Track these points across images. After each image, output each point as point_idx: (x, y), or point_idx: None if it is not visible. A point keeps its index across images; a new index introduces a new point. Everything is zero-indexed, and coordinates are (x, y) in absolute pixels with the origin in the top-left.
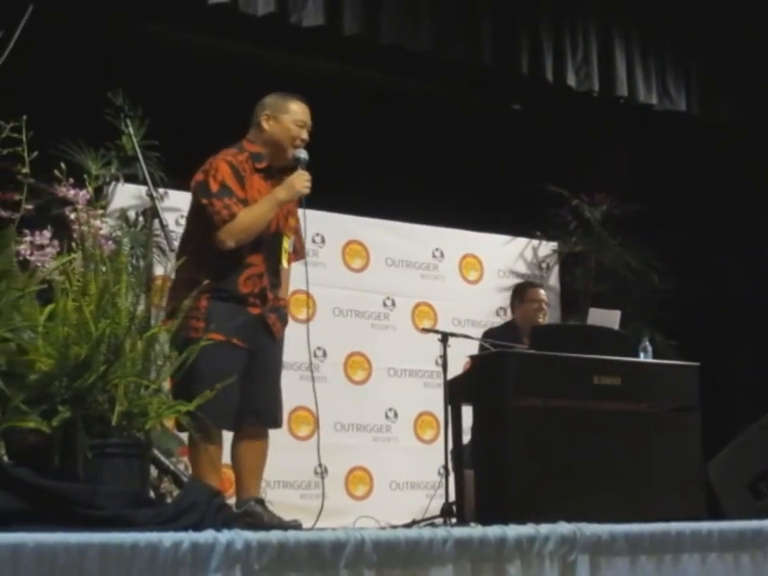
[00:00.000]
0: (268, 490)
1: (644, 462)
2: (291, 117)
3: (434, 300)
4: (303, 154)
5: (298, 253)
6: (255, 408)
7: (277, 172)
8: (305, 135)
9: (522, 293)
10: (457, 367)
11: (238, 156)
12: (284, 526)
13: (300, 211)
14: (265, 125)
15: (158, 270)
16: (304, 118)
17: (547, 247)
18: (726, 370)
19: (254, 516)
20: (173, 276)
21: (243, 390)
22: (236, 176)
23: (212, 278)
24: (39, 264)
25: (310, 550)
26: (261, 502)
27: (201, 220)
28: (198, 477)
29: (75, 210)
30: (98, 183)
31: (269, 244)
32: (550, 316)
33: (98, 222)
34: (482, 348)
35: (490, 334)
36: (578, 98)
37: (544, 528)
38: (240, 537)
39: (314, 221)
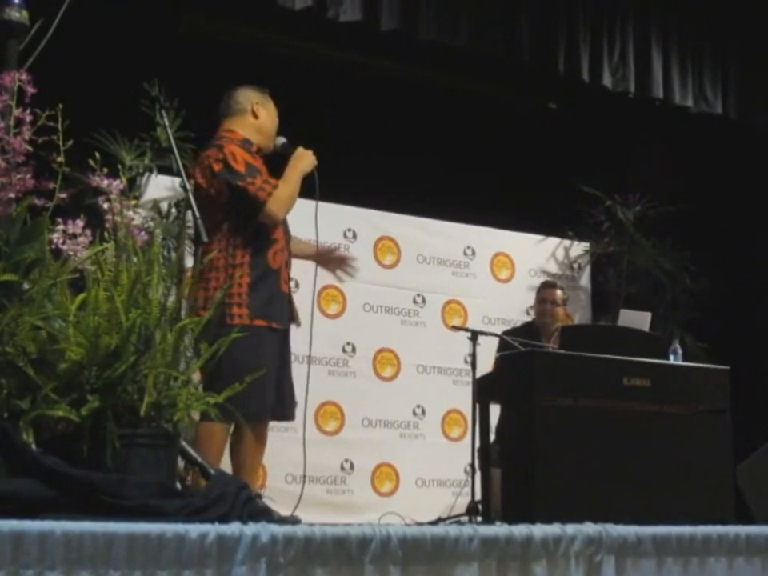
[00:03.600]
0: (294, 484)
1: (672, 464)
2: (272, 107)
3: (464, 298)
4: (285, 140)
5: None
6: (281, 399)
7: (262, 157)
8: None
9: (537, 292)
10: (486, 365)
11: (237, 141)
12: (283, 520)
13: (332, 206)
14: (258, 112)
15: (190, 262)
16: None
17: (579, 247)
18: (757, 374)
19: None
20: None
21: (275, 379)
22: (251, 155)
23: (248, 258)
24: (72, 253)
25: (336, 544)
26: (259, 496)
27: (232, 205)
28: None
29: (108, 199)
30: (132, 174)
31: (284, 219)
32: (581, 316)
33: (130, 213)
34: (502, 346)
35: (509, 334)
36: (614, 98)
37: (570, 528)
38: (266, 530)
39: (345, 216)
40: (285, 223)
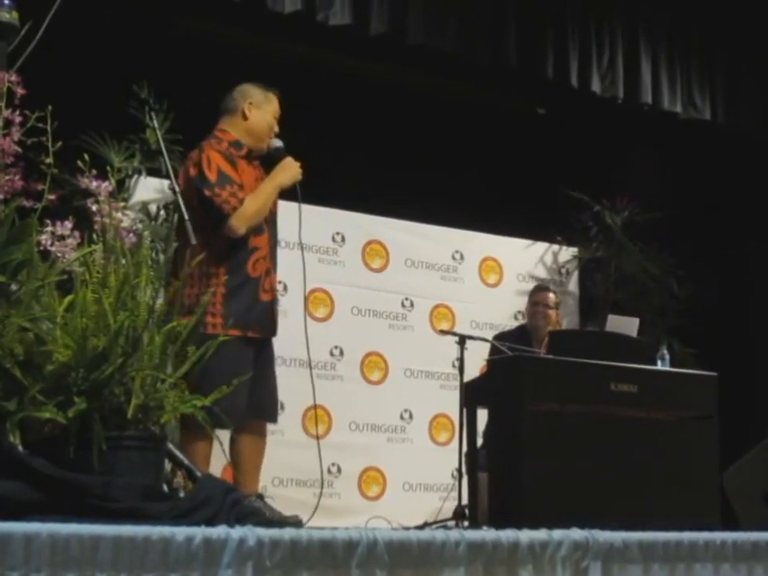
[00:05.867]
0: (281, 488)
1: (659, 469)
2: (271, 108)
3: (452, 302)
4: (281, 144)
5: None
6: (260, 403)
7: (254, 159)
8: (277, 128)
9: (529, 295)
10: (474, 370)
11: (221, 144)
12: (284, 521)
13: (321, 209)
14: (248, 113)
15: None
16: (279, 110)
17: (567, 252)
18: (744, 379)
19: (255, 512)
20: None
21: (251, 385)
22: (229, 162)
23: (225, 267)
24: (60, 255)
25: (323, 548)
26: (261, 497)
27: (205, 215)
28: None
29: (97, 201)
30: (121, 176)
31: (269, 226)
32: (569, 321)
33: (119, 215)
34: (493, 351)
35: (501, 338)
36: (602, 104)
37: (557, 533)
38: (253, 533)
39: (334, 220)
40: (272, 229)
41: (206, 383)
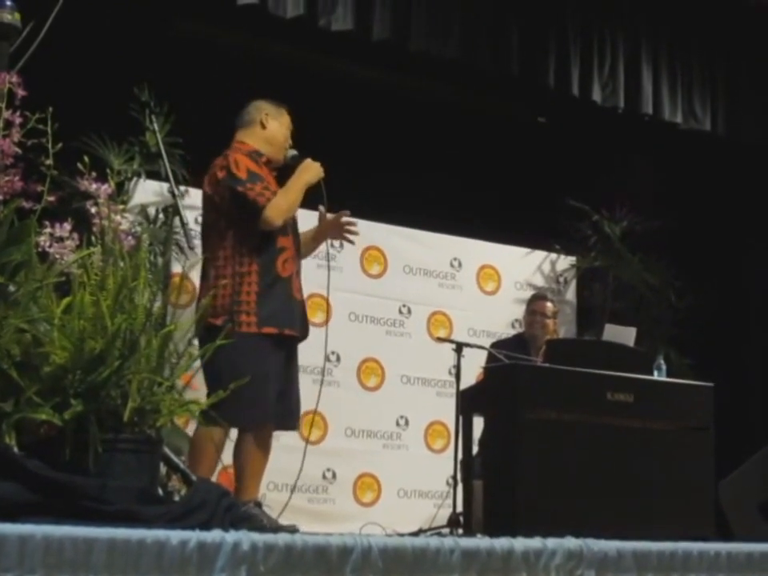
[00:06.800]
0: (276, 492)
1: (654, 479)
2: (285, 120)
3: (450, 309)
4: (296, 153)
5: None
6: (285, 408)
7: (273, 169)
8: (290, 141)
9: (527, 304)
10: (470, 377)
11: (244, 151)
12: (280, 529)
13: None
14: (266, 123)
15: (176, 268)
16: (291, 125)
17: (565, 261)
18: (740, 391)
19: (252, 519)
20: (190, 273)
21: (279, 390)
22: (255, 163)
23: (257, 267)
24: (58, 256)
25: (317, 553)
26: (259, 504)
27: (236, 212)
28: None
29: (96, 203)
30: (120, 178)
31: (292, 228)
32: (566, 331)
33: (118, 217)
34: (491, 358)
35: (498, 346)
36: (603, 113)
37: (551, 542)
38: (247, 538)
39: None
40: (295, 233)
41: (236, 380)
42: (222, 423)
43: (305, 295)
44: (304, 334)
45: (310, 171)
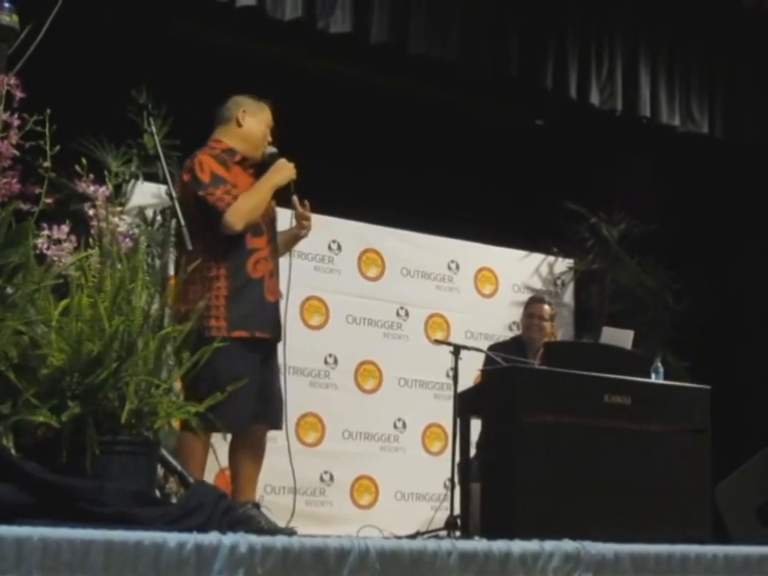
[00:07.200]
0: (273, 495)
1: (652, 482)
2: (265, 117)
3: (447, 312)
4: (275, 150)
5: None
6: (266, 409)
7: (250, 166)
8: (270, 138)
9: (525, 307)
10: (468, 380)
11: (214, 150)
12: (279, 531)
13: (318, 217)
14: (242, 120)
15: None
16: (272, 121)
17: (563, 264)
18: (737, 394)
19: (251, 520)
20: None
21: (257, 390)
22: (221, 164)
23: (224, 270)
24: (56, 258)
25: (314, 556)
26: (257, 506)
27: (202, 217)
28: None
29: (94, 206)
30: (118, 180)
31: (268, 228)
32: (564, 333)
33: (116, 219)
34: (488, 361)
35: (495, 348)
36: (601, 116)
37: (549, 545)
38: (244, 540)
39: (330, 228)
40: (271, 232)
41: (211, 387)
42: (198, 430)
43: (303, 297)
44: (277, 336)
45: (281, 172)
